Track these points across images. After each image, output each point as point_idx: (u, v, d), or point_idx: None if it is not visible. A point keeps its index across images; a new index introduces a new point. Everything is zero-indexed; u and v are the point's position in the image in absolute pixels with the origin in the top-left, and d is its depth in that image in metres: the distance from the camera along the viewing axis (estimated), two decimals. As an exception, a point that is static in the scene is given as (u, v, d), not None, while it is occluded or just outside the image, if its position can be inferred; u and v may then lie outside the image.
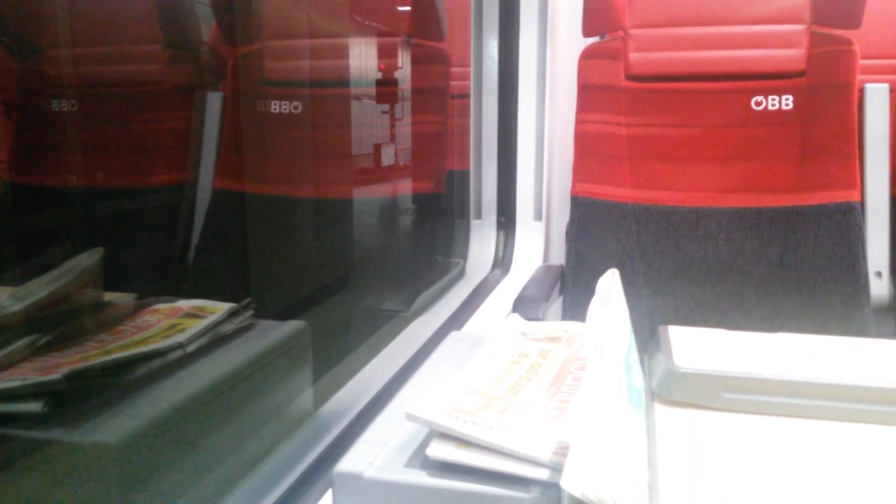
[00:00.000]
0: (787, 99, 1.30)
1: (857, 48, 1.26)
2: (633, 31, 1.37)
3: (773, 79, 1.30)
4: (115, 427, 0.53)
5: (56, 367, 0.56)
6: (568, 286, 1.38)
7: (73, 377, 0.55)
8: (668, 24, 1.36)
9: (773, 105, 1.30)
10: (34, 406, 0.52)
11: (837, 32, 1.28)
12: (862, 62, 1.28)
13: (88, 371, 0.56)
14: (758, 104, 1.31)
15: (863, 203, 1.29)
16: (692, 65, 1.34)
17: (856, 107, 1.28)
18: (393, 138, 1.47)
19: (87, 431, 0.52)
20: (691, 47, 1.35)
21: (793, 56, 1.30)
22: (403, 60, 1.48)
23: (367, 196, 1.46)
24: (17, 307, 0.61)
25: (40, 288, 0.64)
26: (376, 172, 1.45)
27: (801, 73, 1.29)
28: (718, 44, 1.33)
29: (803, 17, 1.29)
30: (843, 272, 1.23)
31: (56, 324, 0.63)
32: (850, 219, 1.24)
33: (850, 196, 1.25)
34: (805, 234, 1.26)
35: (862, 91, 1.33)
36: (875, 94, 1.33)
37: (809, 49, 1.29)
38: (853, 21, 1.27)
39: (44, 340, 0.60)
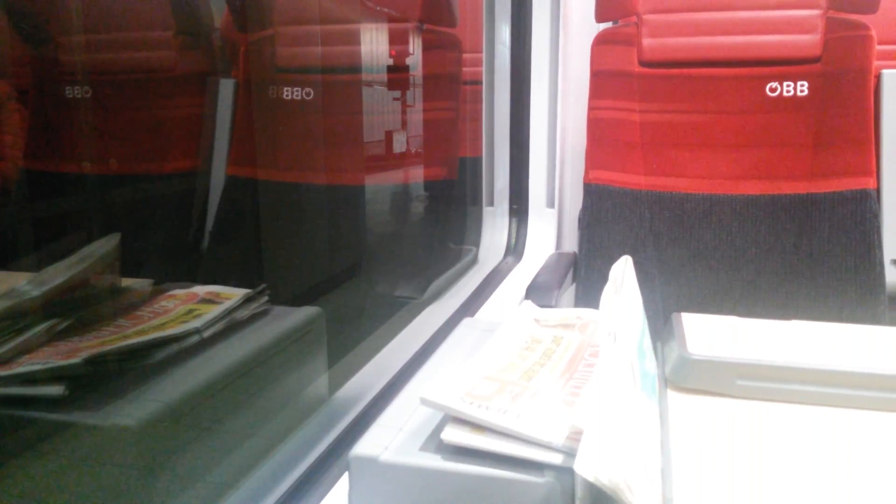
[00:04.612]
0: (802, 85, 1.28)
1: (873, 33, 1.25)
2: (646, 17, 1.36)
3: (788, 65, 1.29)
4: (134, 410, 0.54)
5: (76, 352, 0.57)
6: (581, 273, 1.38)
7: (93, 361, 0.55)
8: (682, 9, 1.35)
9: (787, 91, 1.29)
10: (55, 389, 0.53)
11: (854, 17, 1.27)
12: (878, 48, 1.26)
13: (108, 355, 0.57)
14: (772, 90, 1.30)
15: (878, 190, 1.28)
16: (706, 50, 1.33)
17: (872, 93, 1.26)
18: (405, 125, 1.47)
19: (106, 415, 0.53)
20: (705, 33, 1.33)
21: (808, 41, 1.28)
22: (415, 46, 1.48)
23: (379, 183, 1.47)
24: (36, 292, 0.62)
25: (59, 273, 0.65)
26: (388, 159, 1.45)
27: (816, 59, 1.28)
28: (733, 29, 1.32)
29: (819, 2, 1.28)
30: (858, 260, 1.23)
31: (75, 309, 0.64)
32: (865, 206, 1.23)
33: (866, 183, 1.24)
34: (820, 221, 1.25)
35: (878, 77, 1.31)
36: (892, 80, 1.32)
37: (825, 34, 1.27)
38: (870, 6, 1.26)
39: (63, 325, 0.61)
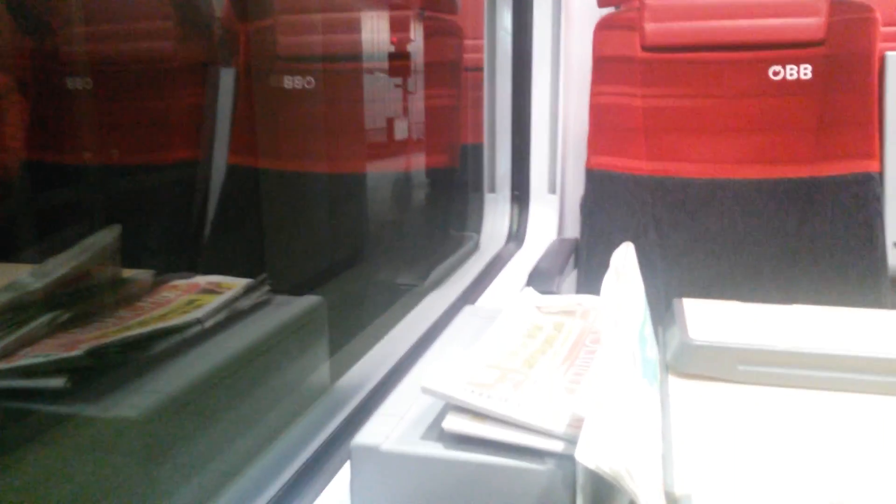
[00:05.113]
0: (805, 68, 1.28)
1: (878, 16, 1.24)
2: (648, 1, 1.35)
3: (791, 48, 1.28)
4: (136, 402, 0.54)
5: (77, 344, 0.57)
6: (582, 259, 1.38)
7: (95, 353, 0.55)
8: (685, -8, 1.34)
9: (791, 75, 1.28)
10: (57, 382, 0.53)
11: (858, 0, 1.26)
12: (883, 30, 1.25)
13: (109, 347, 0.57)
14: (776, 74, 1.29)
15: (882, 173, 1.27)
16: (709, 35, 1.32)
17: (876, 76, 1.26)
18: (406, 112, 1.47)
19: (108, 406, 0.53)
20: (708, 17, 1.33)
21: (812, 24, 1.27)
22: (416, 34, 1.47)
23: (380, 171, 1.46)
24: (37, 284, 0.62)
25: (60, 265, 0.65)
26: (390, 147, 1.45)
27: (820, 42, 1.27)
28: (736, 13, 1.31)
29: (823, -16, 1.27)
30: (860, 243, 1.22)
31: (76, 301, 0.64)
32: (868, 189, 1.23)
33: (869, 166, 1.24)
34: (823, 205, 1.25)
35: (882, 59, 1.30)
36: (896, 63, 1.31)
37: (829, 17, 1.26)
38: (874, -13, 1.24)
39: (64, 317, 0.61)
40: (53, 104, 1.36)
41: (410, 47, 1.47)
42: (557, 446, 0.47)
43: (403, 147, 1.48)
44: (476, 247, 1.56)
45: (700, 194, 1.31)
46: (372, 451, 0.49)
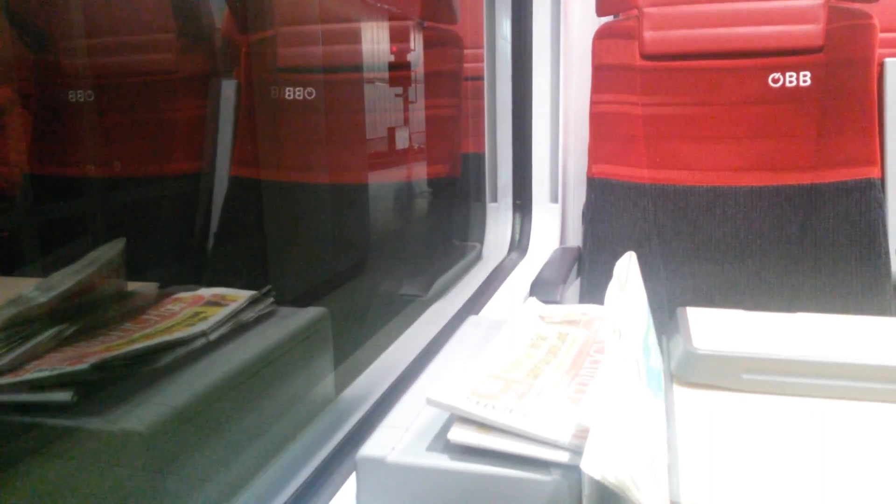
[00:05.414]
0: (804, 75, 1.28)
1: (876, 22, 1.24)
2: (647, 10, 1.35)
3: (790, 55, 1.29)
4: (142, 415, 0.54)
5: (83, 357, 0.57)
6: (585, 268, 1.38)
7: (100, 366, 0.56)
8: (683, 1, 1.34)
9: (790, 82, 1.29)
10: (63, 395, 0.53)
11: (856, 6, 1.26)
12: (881, 36, 1.26)
13: (115, 360, 0.57)
14: (775, 81, 1.29)
15: (883, 179, 1.27)
16: (708, 42, 1.33)
17: (875, 82, 1.26)
18: (407, 122, 1.47)
19: (114, 419, 0.53)
20: (707, 24, 1.33)
21: (810, 31, 1.28)
22: (416, 43, 1.48)
23: (382, 181, 1.47)
24: (43, 298, 0.62)
25: (65, 279, 0.65)
26: (391, 157, 1.45)
27: (819, 49, 1.27)
28: (734, 20, 1.31)
29: (821, -8, 1.27)
30: (863, 250, 1.22)
31: (81, 314, 0.64)
32: (870, 196, 1.23)
33: (871, 172, 1.24)
34: (824, 212, 1.25)
35: (881, 66, 1.31)
36: (895, 69, 1.31)
37: (827, 24, 1.27)
38: (872, -6, 1.25)
39: (70, 331, 0.61)
40: (56, 117, 1.37)
41: (410, 57, 1.48)
42: (563, 457, 0.47)
43: (405, 157, 1.48)
44: (479, 256, 1.56)
45: (702, 202, 1.31)
46: (378, 463, 0.49)
